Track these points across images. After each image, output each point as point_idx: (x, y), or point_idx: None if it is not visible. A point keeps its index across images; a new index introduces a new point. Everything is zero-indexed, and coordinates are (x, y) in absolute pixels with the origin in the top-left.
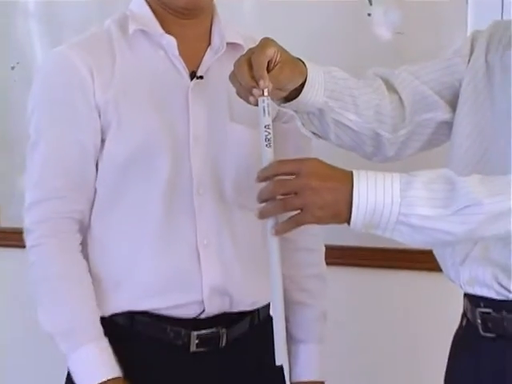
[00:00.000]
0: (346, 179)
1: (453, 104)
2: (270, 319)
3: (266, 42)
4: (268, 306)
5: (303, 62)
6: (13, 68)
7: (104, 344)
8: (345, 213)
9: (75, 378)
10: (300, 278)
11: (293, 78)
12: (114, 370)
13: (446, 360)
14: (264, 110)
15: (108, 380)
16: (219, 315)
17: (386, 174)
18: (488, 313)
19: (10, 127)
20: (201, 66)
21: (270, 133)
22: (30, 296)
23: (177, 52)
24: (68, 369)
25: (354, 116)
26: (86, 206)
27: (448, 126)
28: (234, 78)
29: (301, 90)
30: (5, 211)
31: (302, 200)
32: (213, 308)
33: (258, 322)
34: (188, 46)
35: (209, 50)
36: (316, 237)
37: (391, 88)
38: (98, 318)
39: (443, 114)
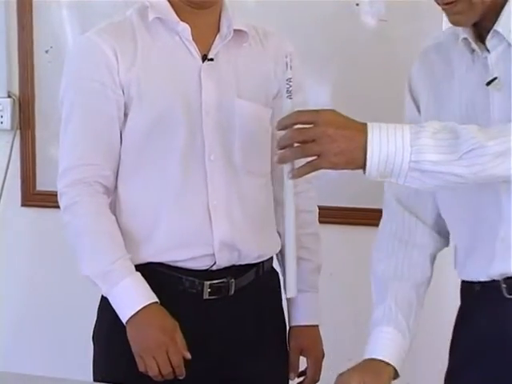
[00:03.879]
0: (361, 129)
1: None
2: (272, 271)
3: None
4: (271, 259)
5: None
6: (47, 51)
7: (137, 277)
8: (359, 160)
9: (119, 312)
10: (299, 236)
11: None
12: (150, 297)
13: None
14: (287, 65)
15: (145, 306)
16: (228, 267)
17: (397, 126)
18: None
19: (45, 103)
20: (211, 49)
21: (290, 85)
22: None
23: (190, 38)
24: (98, 311)
25: None
26: (111, 172)
27: None
28: None
29: None
30: (40, 177)
31: (319, 147)
32: (223, 261)
33: (262, 273)
34: (200, 32)
35: (218, 36)
36: (312, 200)
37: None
38: (129, 258)
39: None
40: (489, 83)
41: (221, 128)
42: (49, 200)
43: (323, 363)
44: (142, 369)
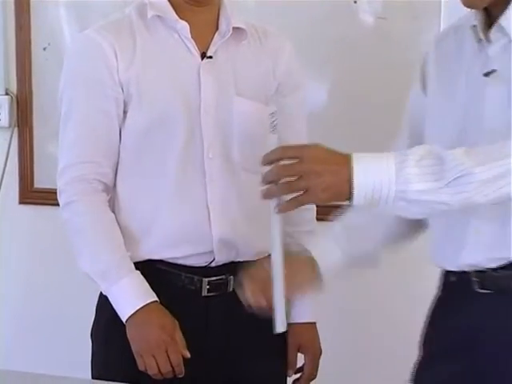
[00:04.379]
0: (346, 162)
1: None
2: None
3: None
4: (269, 256)
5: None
6: (44, 49)
7: (137, 276)
8: (346, 193)
9: (118, 310)
10: (297, 233)
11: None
12: (150, 296)
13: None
14: (272, 99)
15: (145, 305)
16: (227, 264)
17: (382, 156)
18: (483, 271)
19: (42, 100)
20: (210, 47)
21: (274, 120)
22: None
23: (189, 35)
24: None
25: None
26: (110, 170)
27: None
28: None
29: None
30: (38, 175)
31: (306, 183)
32: (221, 258)
33: None
34: (199, 30)
35: (217, 34)
36: None
37: None
38: (128, 257)
39: None
40: (486, 75)
41: (220, 125)
42: (47, 197)
43: (320, 360)
44: (141, 368)
